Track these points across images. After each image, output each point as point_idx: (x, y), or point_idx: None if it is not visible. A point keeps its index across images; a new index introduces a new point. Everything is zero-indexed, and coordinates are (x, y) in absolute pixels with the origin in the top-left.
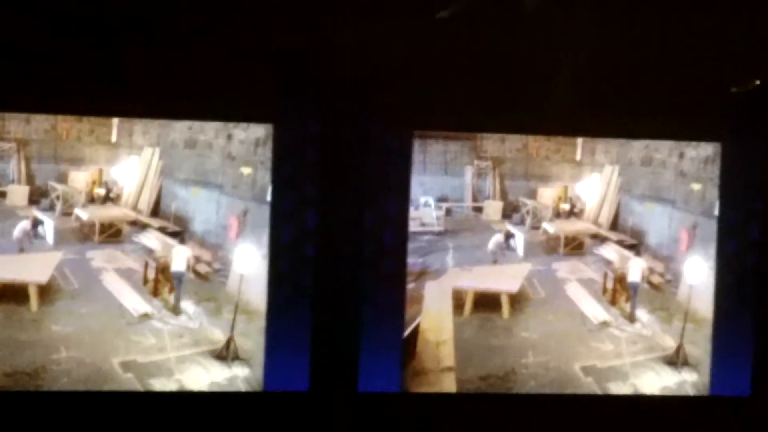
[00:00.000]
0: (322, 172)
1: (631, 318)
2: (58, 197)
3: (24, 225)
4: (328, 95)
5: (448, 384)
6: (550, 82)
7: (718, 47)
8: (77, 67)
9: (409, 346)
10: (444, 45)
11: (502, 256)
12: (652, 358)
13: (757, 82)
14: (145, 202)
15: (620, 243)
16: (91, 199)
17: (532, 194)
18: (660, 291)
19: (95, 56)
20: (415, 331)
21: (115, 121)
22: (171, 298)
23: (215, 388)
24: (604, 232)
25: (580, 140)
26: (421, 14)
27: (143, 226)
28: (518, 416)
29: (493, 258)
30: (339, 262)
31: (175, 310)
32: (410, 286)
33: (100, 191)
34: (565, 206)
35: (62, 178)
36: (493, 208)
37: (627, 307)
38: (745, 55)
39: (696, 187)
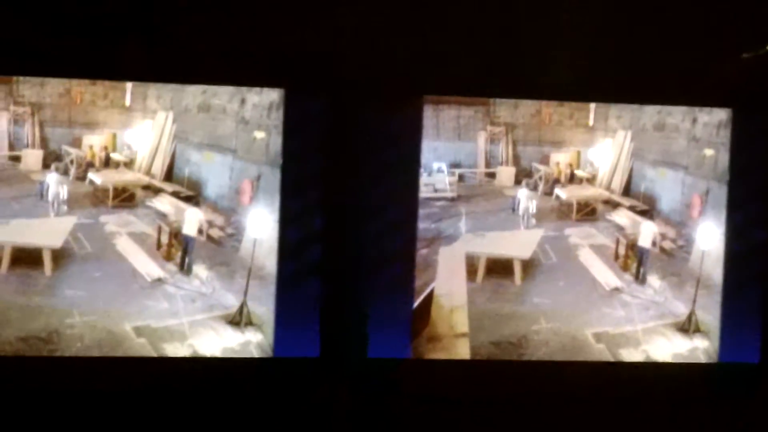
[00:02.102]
0: (332, 138)
1: (641, 281)
2: (72, 161)
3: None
4: (339, 60)
5: (462, 350)
6: (564, 46)
7: (730, 12)
8: (91, 31)
9: (423, 311)
10: (456, 9)
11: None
12: (663, 325)
13: None
14: (159, 167)
15: (632, 209)
16: (90, 164)
17: (545, 160)
18: (672, 257)
19: (109, 19)
20: (429, 297)
21: (129, 85)
22: (178, 258)
23: (228, 354)
24: (616, 197)
25: (593, 105)
26: None
27: (156, 191)
28: (530, 383)
29: (523, 213)
30: (349, 228)
31: (185, 271)
32: (423, 251)
33: (113, 155)
34: (567, 172)
35: (76, 143)
36: (506, 174)
37: (639, 271)
38: (756, 21)
39: (709, 152)
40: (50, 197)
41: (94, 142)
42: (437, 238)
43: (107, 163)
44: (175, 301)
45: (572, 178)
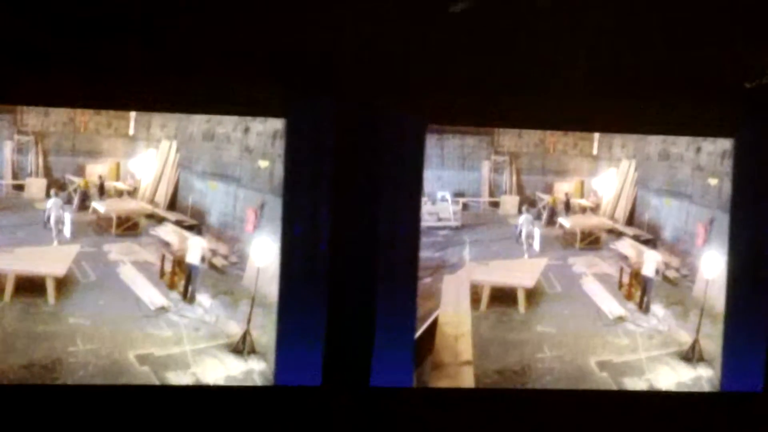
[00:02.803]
0: (336, 166)
1: (645, 310)
2: (75, 190)
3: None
4: (343, 90)
5: (467, 378)
6: (567, 76)
7: (733, 42)
8: (94, 60)
9: (427, 339)
10: (460, 38)
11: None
12: (667, 354)
13: None
14: (162, 195)
15: (636, 238)
16: (85, 194)
17: (549, 189)
18: (676, 286)
19: (111, 49)
20: (434, 325)
21: (133, 113)
22: (181, 287)
23: (231, 382)
24: (620, 227)
25: (597, 135)
26: (437, 6)
27: (160, 220)
28: (533, 412)
29: (525, 237)
30: (352, 256)
31: (188, 299)
32: (427, 280)
33: (115, 184)
34: (569, 201)
35: (79, 171)
36: (510, 203)
37: (643, 300)
38: (759, 50)
39: (713, 181)
40: (52, 222)
41: (97, 171)
42: (441, 266)
43: (102, 191)
44: (179, 330)
45: (568, 208)
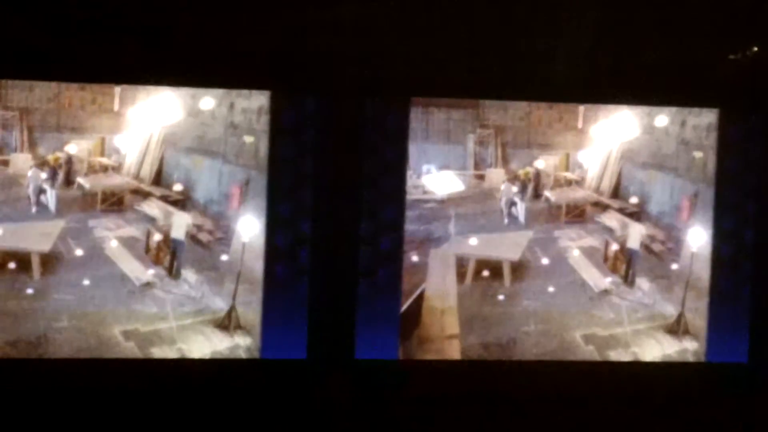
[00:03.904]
0: (320, 143)
1: (630, 283)
2: (60, 166)
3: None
4: (327, 63)
5: (453, 352)
6: (552, 49)
7: (717, 14)
8: (79, 35)
9: (413, 313)
10: (444, 11)
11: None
12: (652, 327)
13: (756, 49)
14: (147, 171)
15: (621, 211)
16: (54, 170)
17: (534, 162)
18: (661, 259)
19: (96, 24)
20: (420, 299)
21: (117, 89)
22: (167, 262)
23: (217, 357)
24: (605, 200)
25: (582, 108)
26: None
27: (145, 195)
28: (519, 383)
29: (506, 212)
30: (337, 233)
31: (173, 275)
32: (413, 253)
33: (102, 160)
34: (539, 175)
35: (64, 147)
36: (495, 177)
37: (628, 273)
38: (743, 22)
39: (698, 155)
40: (30, 191)
41: (82, 146)
42: (427, 240)
43: (69, 173)
44: (164, 306)
45: (538, 183)
